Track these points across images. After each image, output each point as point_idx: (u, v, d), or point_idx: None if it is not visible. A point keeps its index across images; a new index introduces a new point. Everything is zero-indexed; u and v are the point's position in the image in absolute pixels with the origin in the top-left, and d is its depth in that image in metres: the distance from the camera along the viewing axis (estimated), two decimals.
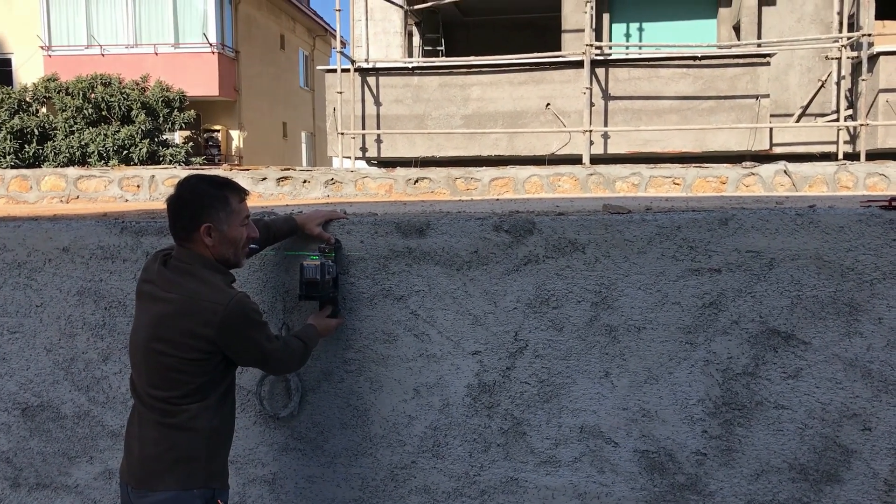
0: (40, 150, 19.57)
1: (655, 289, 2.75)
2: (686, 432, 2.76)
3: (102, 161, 18.98)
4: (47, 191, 8.64)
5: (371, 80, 12.43)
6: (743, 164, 7.58)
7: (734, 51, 12.55)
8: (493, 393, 2.87)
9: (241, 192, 2.49)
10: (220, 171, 8.59)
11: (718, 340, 2.73)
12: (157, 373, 2.37)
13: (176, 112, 20.39)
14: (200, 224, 2.38)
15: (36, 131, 19.67)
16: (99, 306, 3.16)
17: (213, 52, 22.50)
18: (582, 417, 2.82)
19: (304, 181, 8.24)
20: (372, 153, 12.53)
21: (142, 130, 19.60)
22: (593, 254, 2.78)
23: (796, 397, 2.68)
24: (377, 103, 12.44)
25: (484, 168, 7.98)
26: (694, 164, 7.65)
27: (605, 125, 12.03)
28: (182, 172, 8.62)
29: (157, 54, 22.46)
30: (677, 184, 7.48)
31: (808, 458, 2.68)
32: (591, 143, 11.74)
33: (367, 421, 2.99)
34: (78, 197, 8.63)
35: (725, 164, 7.70)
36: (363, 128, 12.27)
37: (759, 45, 12.40)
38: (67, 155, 19.37)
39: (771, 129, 12.09)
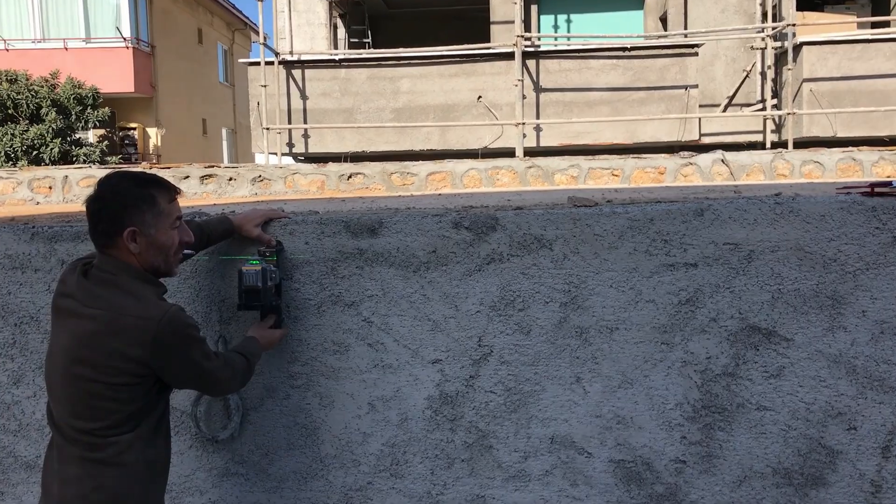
0: None
1: (628, 286, 2.56)
2: (664, 439, 2.58)
3: (10, 162, 17.99)
4: None
5: (297, 73, 12.02)
6: (681, 153, 7.54)
7: (662, 41, 12.61)
8: (456, 404, 2.64)
9: (171, 191, 2.18)
10: (142, 169, 8.10)
11: (696, 340, 2.56)
12: (79, 401, 2.05)
13: (89, 110, 19.50)
14: (123, 228, 2.06)
15: None
16: (7, 322, 2.79)
17: (128, 47, 21.60)
18: (552, 427, 2.61)
19: (230, 179, 7.84)
20: (299, 149, 12.13)
21: (52, 129, 18.69)
22: (561, 250, 2.57)
23: (779, 397, 2.53)
24: (304, 97, 12.04)
25: (420, 162, 7.73)
26: (632, 155, 7.57)
27: (538, 118, 11.92)
28: (99, 172, 8.10)
29: (67, 49, 21.43)
30: (616, 175, 7.39)
31: (792, 462, 2.53)
32: (524, 135, 11.61)
33: (316, 440, 2.71)
34: None
35: (663, 154, 7.66)
36: (289, 122, 11.86)
37: (686, 36, 12.49)
38: None
39: (700, 120, 12.20)
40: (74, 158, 18.67)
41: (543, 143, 12.00)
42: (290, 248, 2.67)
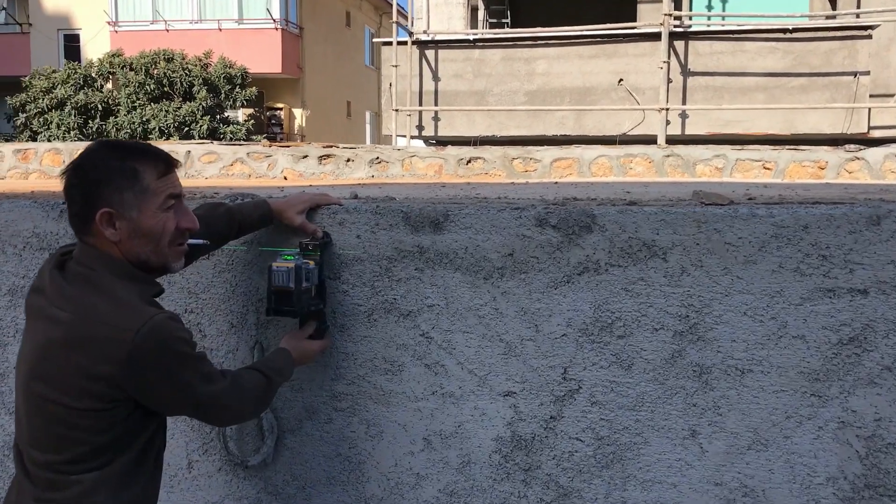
0: (103, 126, 19.50)
1: (769, 315, 1.90)
2: None
3: (164, 137, 18.76)
4: None
5: (430, 53, 11.64)
6: (846, 147, 6.53)
7: (830, 22, 11.31)
8: (532, 450, 2.07)
9: (163, 163, 1.72)
10: (261, 148, 7.95)
11: (861, 394, 1.87)
12: (38, 427, 1.65)
13: (238, 89, 20.10)
14: (96, 209, 1.63)
15: (100, 107, 19.60)
16: None
17: (277, 29, 22.08)
18: (656, 492, 2.00)
19: (348, 160, 7.52)
20: (429, 132, 11.76)
21: (203, 107, 19.37)
22: (679, 262, 1.94)
23: None
24: (435, 78, 11.65)
25: (545, 147, 7.12)
26: (787, 147, 6.63)
27: (684, 103, 10.98)
28: (221, 148, 8.03)
29: (220, 30, 22.16)
30: (768, 168, 6.49)
31: None
32: (668, 122, 10.71)
33: (361, 477, 2.22)
34: None
35: (824, 147, 6.67)
36: (420, 104, 11.50)
37: (858, 16, 11.13)
38: (129, 131, 19.27)
39: (870, 111, 10.85)
40: (222, 136, 19.24)
41: (689, 131, 11.04)
42: (340, 242, 2.19)
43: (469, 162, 7.13)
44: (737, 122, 10.83)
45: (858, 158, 6.31)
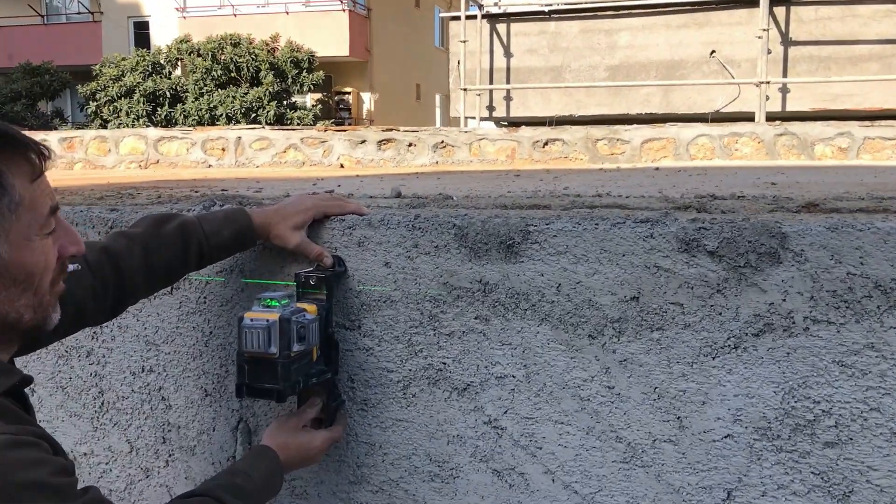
0: (171, 113, 19.33)
1: None
2: None
3: (231, 123, 18.43)
4: (126, 154, 7.61)
5: (501, 27, 10.76)
6: None
7: None
8: None
9: (34, 156, 0.97)
10: (316, 133, 7.26)
11: None
12: None
13: (305, 73, 19.65)
14: None
15: (168, 93, 19.43)
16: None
17: (344, 10, 21.53)
18: None
19: (410, 144, 6.75)
20: (500, 112, 10.89)
21: (269, 92, 19.03)
22: None
23: None
24: (507, 54, 10.76)
25: (633, 126, 6.19)
26: None
27: (784, 76, 9.82)
28: (272, 133, 7.36)
29: (287, 13, 21.75)
30: None
31: None
32: (767, 97, 9.58)
33: None
34: (158, 161, 7.54)
35: None
36: (490, 82, 10.64)
37: None
38: (196, 117, 19.03)
39: None
40: (289, 121, 18.82)
41: (791, 108, 9.88)
42: (360, 273, 1.40)
43: (546, 145, 6.27)
44: (847, 97, 9.62)
45: None
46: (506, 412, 1.32)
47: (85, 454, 1.68)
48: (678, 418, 1.22)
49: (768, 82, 9.41)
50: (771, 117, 9.38)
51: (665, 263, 1.21)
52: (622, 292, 1.23)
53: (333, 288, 1.38)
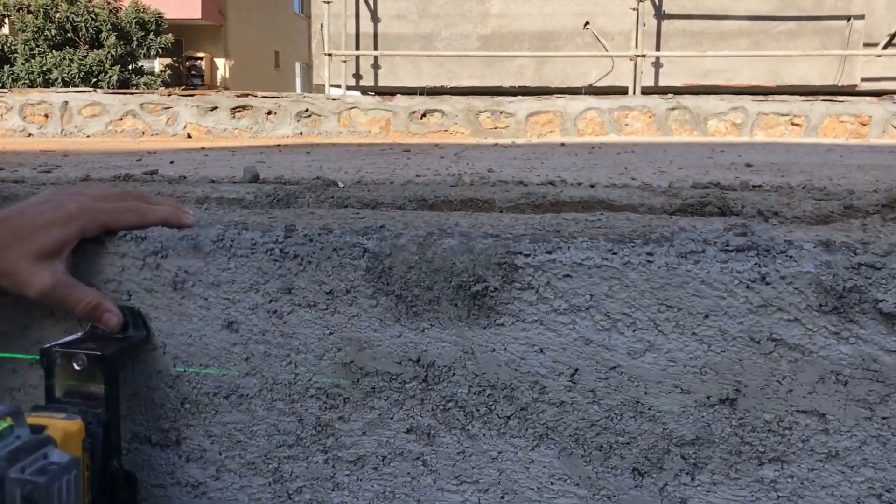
0: None
1: None
2: None
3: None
4: None
5: None
6: (893, 96, 5.27)
7: None
8: None
9: None
10: (158, 98, 6.29)
11: None
12: None
13: (152, 36, 18.29)
14: None
15: None
16: None
17: None
18: None
19: (269, 112, 5.93)
20: (368, 81, 10.15)
21: (112, 56, 17.57)
22: None
23: None
24: (374, 18, 10.01)
25: (518, 98, 5.67)
26: (821, 98, 5.34)
27: (658, 49, 9.63)
28: (106, 98, 6.33)
29: None
30: (797, 124, 5.19)
31: None
32: (641, 72, 9.35)
33: None
34: None
35: (867, 98, 5.40)
36: (357, 48, 9.87)
37: None
38: (27, 81, 17.28)
39: (859, 61, 9.71)
40: (134, 87, 17.38)
41: (663, 83, 9.71)
42: (177, 342, 0.72)
43: (424, 116, 5.63)
44: (718, 72, 9.55)
45: None
46: None
47: None
48: None
49: (643, 56, 9.17)
50: (644, 92, 9.17)
51: (792, 335, 0.61)
52: (703, 389, 0.63)
53: (119, 376, 0.70)
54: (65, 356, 0.68)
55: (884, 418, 0.60)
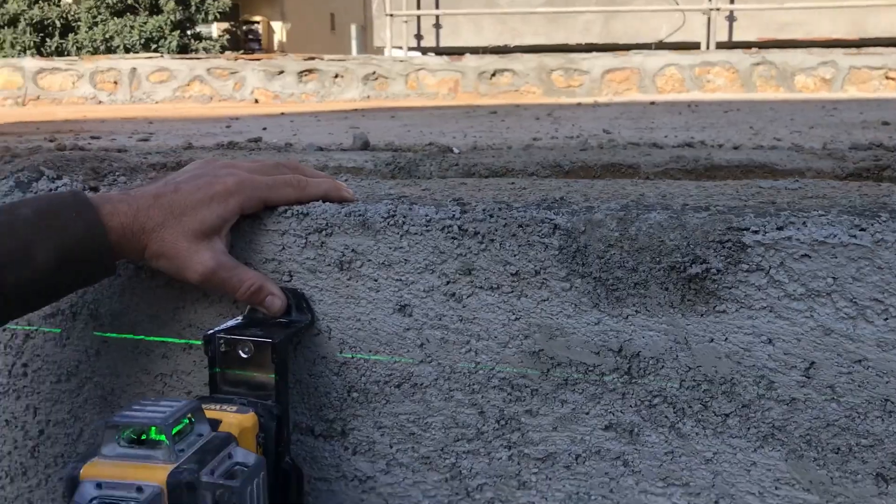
0: (63, 44, 17.81)
1: None
2: None
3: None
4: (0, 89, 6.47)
5: None
6: None
7: None
8: None
9: None
10: (225, 62, 6.29)
11: None
12: None
13: (210, 0, 18.41)
14: None
15: (58, 23, 17.89)
16: None
17: None
18: None
19: (336, 75, 5.87)
20: (429, 42, 9.99)
21: (171, 21, 17.75)
22: None
23: None
24: None
25: (593, 55, 5.49)
26: None
27: (732, 2, 9.24)
28: (173, 63, 6.36)
29: None
30: (892, 78, 4.91)
31: None
32: (714, 26, 8.99)
33: None
34: (38, 97, 6.44)
35: None
36: (418, 7, 9.71)
37: None
38: (91, 49, 17.56)
39: None
40: (194, 52, 17.56)
41: (737, 37, 9.32)
42: (344, 326, 0.66)
43: (493, 75, 5.50)
44: (796, 25, 9.12)
45: None
46: None
47: None
48: None
49: (718, 9, 8.82)
50: (718, 47, 8.83)
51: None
52: None
53: (289, 362, 0.64)
54: (230, 343, 0.63)
55: None
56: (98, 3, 17.97)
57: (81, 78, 6.33)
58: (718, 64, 5.17)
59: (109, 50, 17.48)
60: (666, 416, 0.61)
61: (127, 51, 17.32)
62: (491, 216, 0.63)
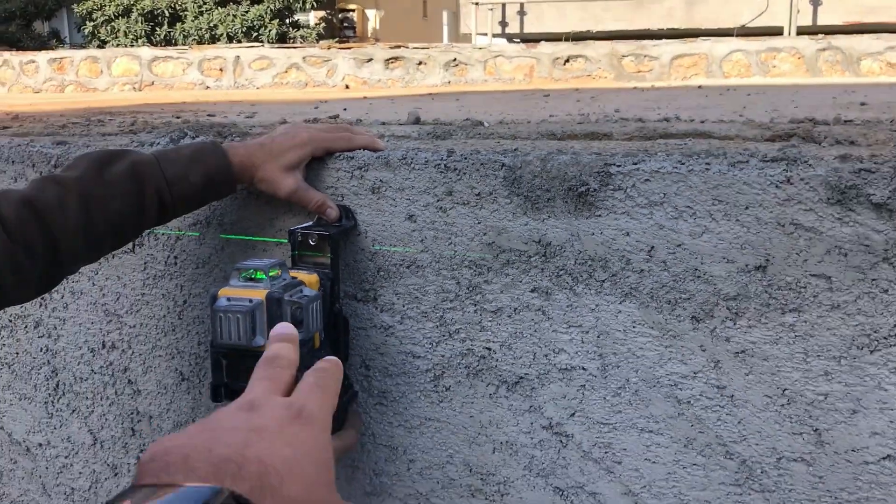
0: (171, 33, 18.80)
1: None
2: None
3: (232, 43, 17.88)
4: (119, 75, 7.16)
5: None
6: None
7: None
8: None
9: None
10: (319, 51, 6.79)
11: None
12: None
13: None
14: None
15: (166, 12, 18.87)
16: None
17: None
18: None
19: (420, 63, 6.28)
20: (513, 28, 10.30)
21: (271, 10, 18.47)
22: None
23: None
24: None
25: (662, 41, 5.72)
26: None
27: None
28: (273, 52, 6.90)
29: None
30: None
31: None
32: (797, 10, 8.98)
33: None
34: (153, 83, 7.10)
35: None
36: None
37: None
38: (196, 37, 18.50)
39: None
40: (292, 40, 18.28)
41: (822, 21, 9.28)
42: (375, 229, 1.05)
43: (567, 62, 5.80)
44: (883, 9, 9.01)
45: None
46: (573, 415, 0.99)
47: (40, 444, 1.37)
48: (816, 431, 0.89)
49: None
50: (801, 32, 8.81)
51: (807, 220, 0.85)
52: (743, 259, 0.88)
53: (340, 249, 1.04)
54: (304, 235, 1.03)
55: (873, 279, 0.84)
56: None
57: (191, 66, 6.95)
58: (785, 50, 5.32)
59: (214, 38, 18.37)
60: (567, 282, 0.97)
61: (230, 39, 18.18)
62: (465, 158, 1.01)
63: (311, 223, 1.06)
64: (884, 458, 0.87)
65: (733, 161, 0.89)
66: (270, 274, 0.92)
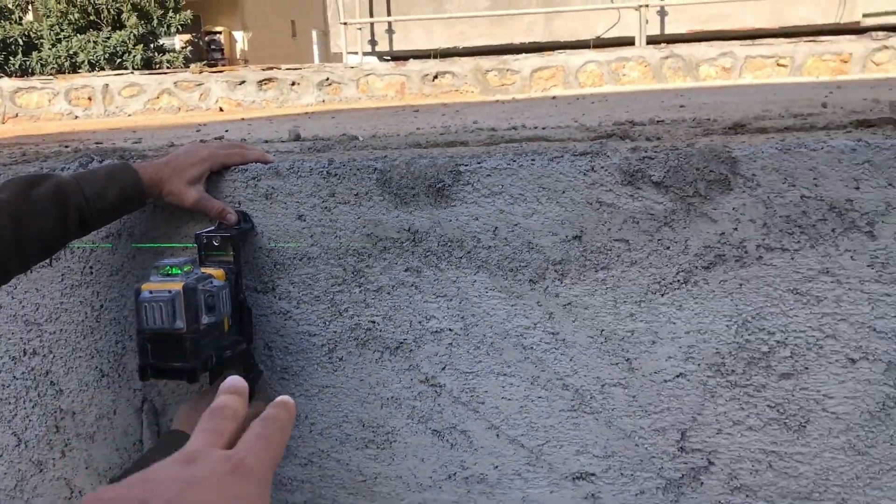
0: (26, 62, 18.06)
1: None
2: None
3: (94, 70, 17.33)
4: None
5: None
6: (871, 34, 5.64)
7: None
8: None
9: None
10: (191, 75, 6.82)
11: None
12: None
13: (171, 14, 18.73)
14: None
15: (20, 41, 18.14)
16: None
17: None
18: None
19: (293, 83, 6.44)
20: (383, 46, 10.57)
21: (134, 35, 18.07)
22: None
23: None
24: None
25: (522, 56, 6.10)
26: (804, 39, 5.71)
27: None
28: (142, 79, 6.87)
29: None
30: (783, 65, 5.58)
31: None
32: (646, 21, 9.67)
33: None
34: (17, 115, 6.92)
35: (847, 36, 5.76)
36: (371, 15, 10.29)
37: None
38: (55, 66, 17.85)
39: None
40: (157, 65, 17.90)
41: (669, 31, 10.01)
42: (270, 230, 1.25)
43: (435, 78, 6.10)
44: (721, 17, 9.83)
45: (887, 47, 5.42)
46: (444, 368, 1.22)
47: None
48: (627, 360, 1.16)
49: (647, 6, 9.49)
50: (651, 41, 9.50)
51: (608, 198, 1.12)
52: (563, 232, 1.14)
53: (241, 248, 1.23)
54: (208, 238, 1.21)
55: (658, 240, 1.11)
56: (60, 21, 18.21)
57: (57, 95, 6.83)
58: (633, 59, 5.81)
59: (75, 66, 17.76)
60: (433, 261, 1.20)
61: (92, 66, 17.62)
62: (343, 165, 1.22)
63: (213, 228, 1.25)
64: (677, 376, 1.14)
65: (552, 157, 1.14)
66: (185, 269, 1.11)
